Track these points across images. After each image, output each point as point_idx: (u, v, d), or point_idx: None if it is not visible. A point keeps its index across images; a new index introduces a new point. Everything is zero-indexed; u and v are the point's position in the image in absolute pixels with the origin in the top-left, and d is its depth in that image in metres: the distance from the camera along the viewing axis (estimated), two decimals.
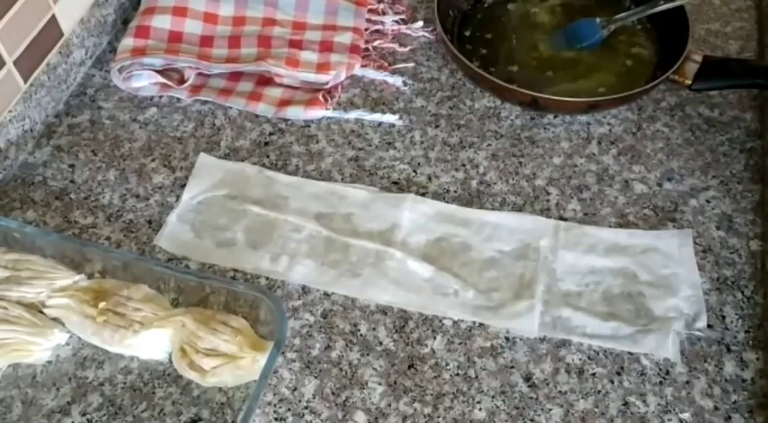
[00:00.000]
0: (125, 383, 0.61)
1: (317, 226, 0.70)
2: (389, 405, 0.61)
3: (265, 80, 0.82)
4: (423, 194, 0.73)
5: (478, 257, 0.69)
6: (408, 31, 0.88)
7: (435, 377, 0.62)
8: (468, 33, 0.87)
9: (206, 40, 0.84)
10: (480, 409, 0.61)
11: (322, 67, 0.81)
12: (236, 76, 0.83)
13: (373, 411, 0.60)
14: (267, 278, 0.67)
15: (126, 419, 0.60)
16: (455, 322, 0.65)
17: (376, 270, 0.68)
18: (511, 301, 0.66)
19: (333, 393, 0.61)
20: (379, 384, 0.62)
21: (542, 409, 0.61)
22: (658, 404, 0.61)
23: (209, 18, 0.85)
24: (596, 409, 0.61)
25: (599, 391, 0.62)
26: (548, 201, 0.73)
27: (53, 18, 0.77)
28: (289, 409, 0.60)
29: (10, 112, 0.73)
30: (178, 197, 0.73)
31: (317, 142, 0.78)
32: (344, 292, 0.67)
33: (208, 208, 0.72)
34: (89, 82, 0.83)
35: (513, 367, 0.63)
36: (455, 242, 0.70)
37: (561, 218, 0.72)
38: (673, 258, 0.68)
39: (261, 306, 0.61)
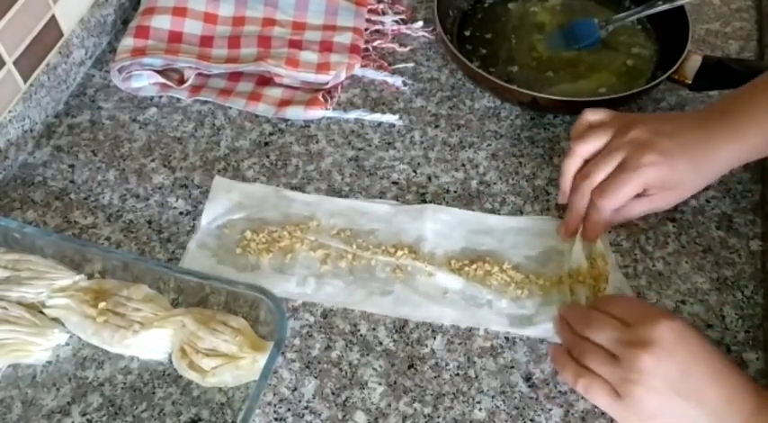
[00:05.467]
0: (125, 383, 0.61)
1: (340, 244, 0.69)
2: (389, 405, 0.61)
3: (265, 80, 0.82)
4: (422, 194, 0.73)
5: (507, 265, 0.68)
6: (408, 31, 0.88)
7: (435, 377, 0.62)
8: (468, 33, 0.87)
9: (206, 41, 0.84)
10: (480, 409, 0.61)
11: (322, 68, 0.81)
12: (236, 77, 0.83)
13: (373, 411, 0.60)
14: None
15: (126, 419, 0.60)
16: None
17: (406, 286, 0.67)
18: (543, 306, 0.66)
19: (333, 393, 0.61)
20: (379, 384, 0.62)
21: (542, 409, 0.61)
22: None
23: (209, 18, 0.85)
24: (596, 410, 0.60)
25: None
26: (548, 201, 0.73)
27: (53, 18, 0.77)
28: (289, 409, 0.60)
29: (10, 112, 0.73)
30: (195, 219, 0.72)
31: (317, 142, 0.78)
32: (376, 310, 0.65)
33: (228, 232, 0.70)
34: (89, 82, 0.83)
35: (513, 367, 0.63)
36: (482, 250, 0.69)
37: (561, 218, 0.72)
38: None
39: (261, 306, 0.61)
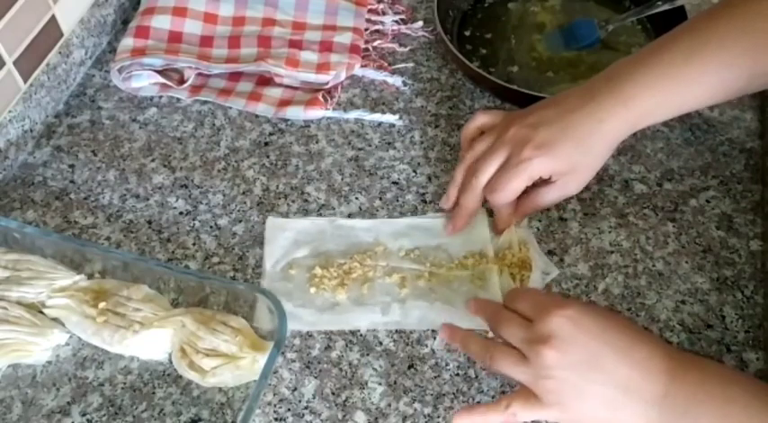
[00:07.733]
0: (125, 383, 0.61)
1: (413, 265, 0.68)
2: (389, 405, 0.61)
3: (265, 80, 0.82)
4: (422, 194, 0.73)
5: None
6: (408, 31, 0.88)
7: (435, 377, 0.62)
8: (468, 33, 0.87)
9: (206, 41, 0.84)
10: None
11: (322, 67, 0.81)
12: (235, 77, 0.83)
13: (373, 411, 0.60)
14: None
15: (126, 420, 0.60)
16: None
17: (488, 293, 0.65)
18: None
19: (333, 393, 0.61)
20: (379, 384, 0.62)
21: None
22: None
23: (209, 18, 0.85)
24: None
25: None
26: None
27: (53, 18, 0.77)
28: (289, 409, 0.60)
29: (10, 112, 0.73)
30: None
31: (317, 142, 0.78)
32: (470, 325, 0.63)
33: (295, 273, 0.67)
34: (89, 82, 0.83)
35: None
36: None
37: (560, 218, 0.72)
38: None
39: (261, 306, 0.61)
